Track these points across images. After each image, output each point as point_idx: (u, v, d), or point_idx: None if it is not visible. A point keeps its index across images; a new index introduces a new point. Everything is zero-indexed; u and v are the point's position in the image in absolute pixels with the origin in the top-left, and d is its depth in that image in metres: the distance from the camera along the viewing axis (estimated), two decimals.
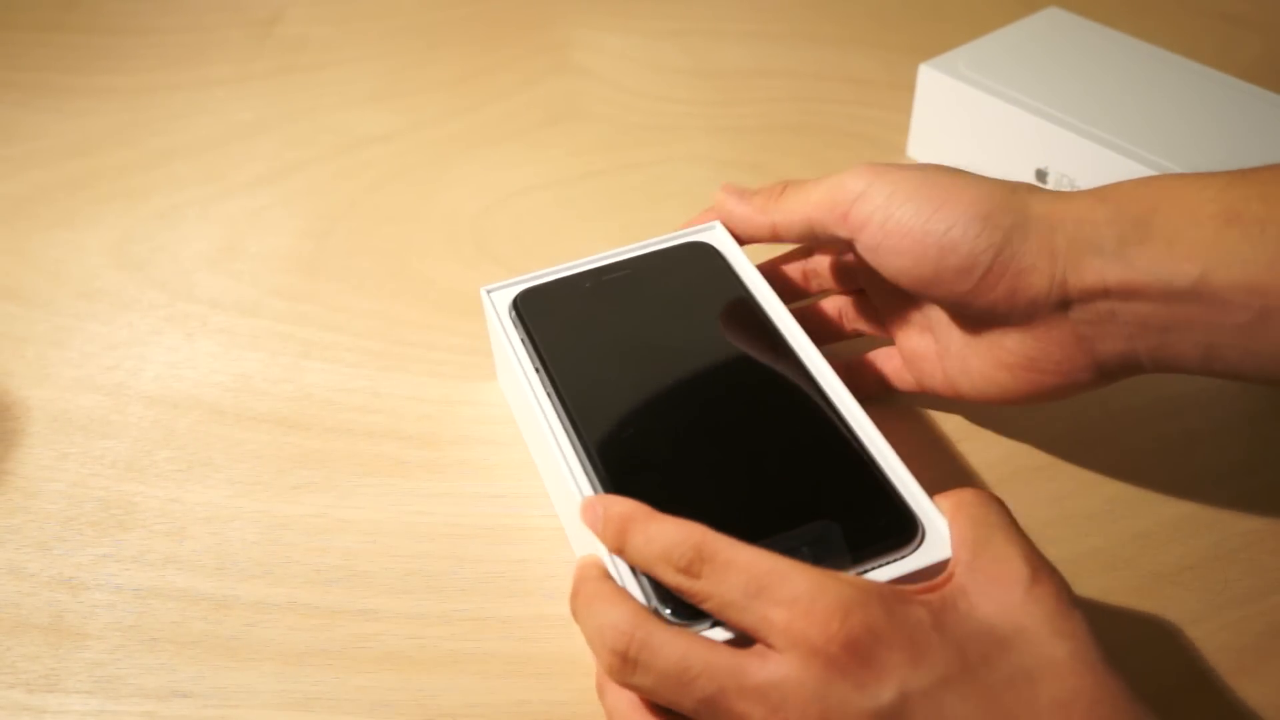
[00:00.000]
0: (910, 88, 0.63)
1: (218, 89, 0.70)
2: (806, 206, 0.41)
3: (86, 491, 0.45)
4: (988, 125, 0.59)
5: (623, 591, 0.33)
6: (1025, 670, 0.30)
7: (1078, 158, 0.55)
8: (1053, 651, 0.30)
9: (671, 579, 0.32)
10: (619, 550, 0.33)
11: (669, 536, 0.32)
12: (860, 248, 0.40)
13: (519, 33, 0.77)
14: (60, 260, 0.57)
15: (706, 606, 0.31)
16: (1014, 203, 0.37)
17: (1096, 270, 0.36)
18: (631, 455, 0.37)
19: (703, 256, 0.45)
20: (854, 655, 0.29)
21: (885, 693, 0.29)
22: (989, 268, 0.37)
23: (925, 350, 0.44)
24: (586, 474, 0.36)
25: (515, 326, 0.42)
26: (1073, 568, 0.42)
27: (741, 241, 0.45)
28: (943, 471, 0.46)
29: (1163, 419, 0.48)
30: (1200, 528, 0.43)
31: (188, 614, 0.40)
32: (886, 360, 0.47)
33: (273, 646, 0.39)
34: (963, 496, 0.34)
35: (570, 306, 0.42)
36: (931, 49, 0.64)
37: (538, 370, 0.40)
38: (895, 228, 0.38)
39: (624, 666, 0.31)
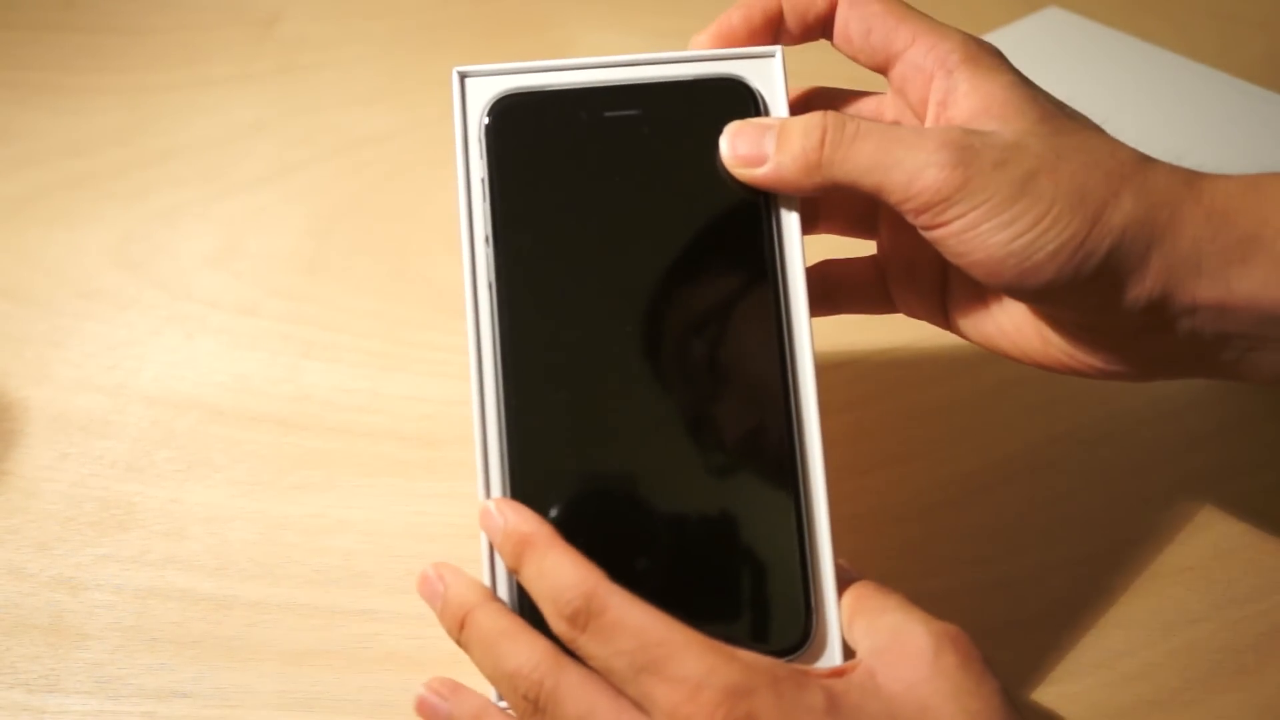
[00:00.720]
0: None
1: (217, 89, 0.70)
2: (871, 182, 0.32)
3: (86, 491, 0.45)
4: None
5: (523, 625, 0.31)
6: None
7: None
8: None
9: (555, 624, 0.30)
10: (514, 571, 0.31)
11: (562, 577, 0.30)
12: (924, 232, 0.32)
13: (519, 32, 0.77)
14: (59, 260, 0.57)
15: (592, 666, 0.29)
16: (1112, 219, 0.31)
17: (1189, 291, 0.32)
18: (547, 372, 0.32)
19: (736, 103, 0.35)
20: None
21: None
22: (1071, 288, 0.31)
23: (922, 277, 0.38)
24: (495, 378, 0.32)
25: (481, 152, 0.34)
26: (1073, 568, 0.42)
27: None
28: (943, 472, 0.46)
29: (1163, 419, 0.48)
30: (1200, 528, 0.43)
31: (188, 614, 0.40)
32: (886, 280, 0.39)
33: (273, 646, 0.39)
34: (860, 589, 0.33)
35: (552, 140, 0.34)
36: None
37: (487, 215, 0.34)
38: (976, 241, 0.31)
39: (533, 713, 0.30)
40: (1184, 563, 0.42)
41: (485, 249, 0.34)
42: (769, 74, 0.35)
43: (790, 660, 0.31)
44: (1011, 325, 0.35)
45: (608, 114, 0.34)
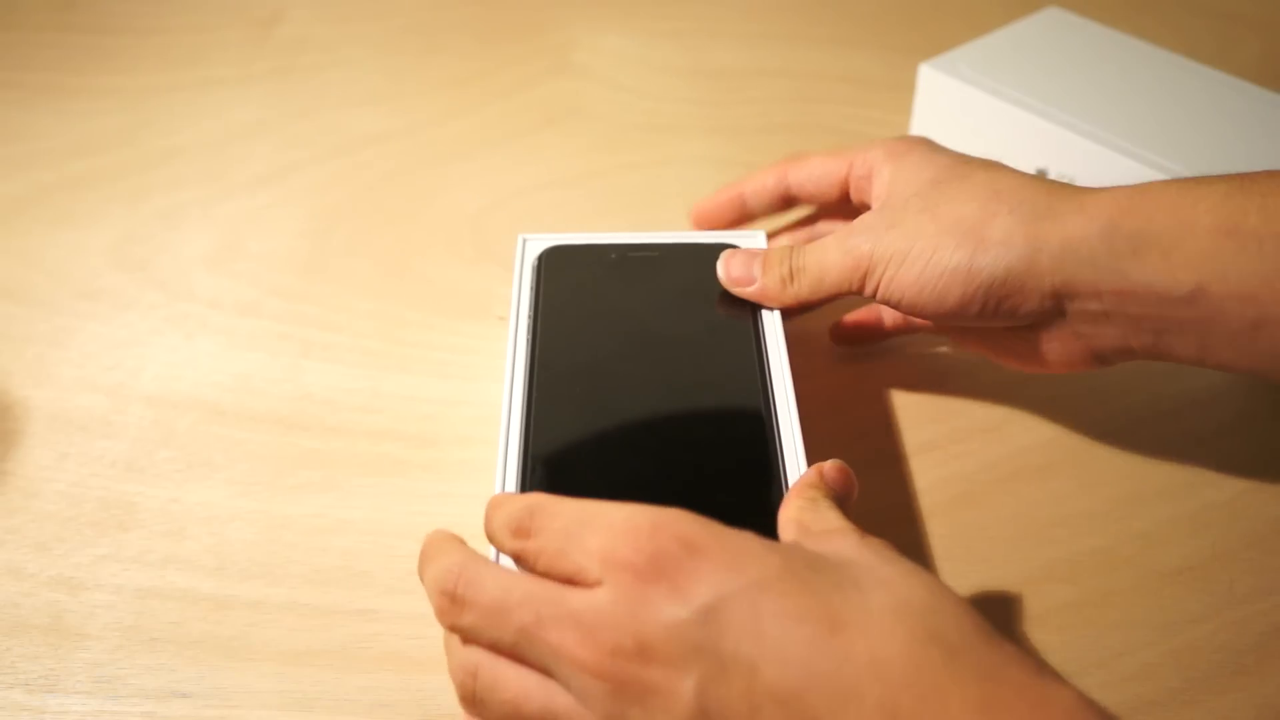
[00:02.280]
0: (910, 88, 0.63)
1: (218, 89, 0.70)
2: (826, 285, 0.42)
3: (86, 491, 0.45)
4: (988, 125, 0.59)
5: (456, 539, 0.33)
6: (855, 580, 0.29)
7: (1078, 158, 0.55)
8: (885, 571, 0.30)
9: (509, 546, 0.32)
10: (488, 536, 0.34)
11: (512, 505, 0.32)
12: (878, 301, 0.42)
13: (518, 33, 0.77)
14: (60, 260, 0.57)
15: (537, 568, 0.31)
16: (994, 234, 0.39)
17: (1089, 281, 0.38)
18: (564, 433, 0.38)
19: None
20: (665, 566, 0.28)
21: (697, 598, 0.28)
22: (983, 302, 0.40)
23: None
24: (521, 429, 0.38)
25: (530, 278, 0.45)
26: (1073, 568, 0.42)
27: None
28: (943, 474, 0.46)
29: (1162, 419, 0.48)
30: (1200, 528, 0.43)
31: (187, 614, 0.40)
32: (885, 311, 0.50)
33: (273, 646, 0.39)
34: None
35: (587, 272, 0.45)
36: (931, 49, 0.64)
37: (529, 325, 0.42)
38: (897, 286, 0.41)
39: (451, 607, 0.31)
40: (1184, 563, 0.42)
41: (526, 329, 0.43)
42: (758, 239, 0.48)
43: None
44: (989, 350, 0.45)
45: (632, 255, 0.46)
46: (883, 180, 0.44)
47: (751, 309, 0.44)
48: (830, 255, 0.42)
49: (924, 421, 0.48)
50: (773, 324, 0.43)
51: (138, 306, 0.54)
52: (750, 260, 0.44)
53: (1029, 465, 0.46)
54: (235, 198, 0.61)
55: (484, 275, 0.56)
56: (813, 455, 0.38)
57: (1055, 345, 0.41)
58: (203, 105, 0.69)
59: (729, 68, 0.73)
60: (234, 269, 0.56)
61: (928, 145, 0.44)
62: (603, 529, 0.30)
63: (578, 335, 0.41)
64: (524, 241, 0.47)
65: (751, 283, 0.43)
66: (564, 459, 0.36)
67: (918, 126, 0.63)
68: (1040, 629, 0.40)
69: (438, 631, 0.40)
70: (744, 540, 0.30)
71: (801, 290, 0.43)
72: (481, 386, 0.49)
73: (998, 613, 0.40)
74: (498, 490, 0.37)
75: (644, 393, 0.39)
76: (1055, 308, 0.39)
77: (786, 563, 0.29)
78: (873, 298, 0.42)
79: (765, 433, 0.39)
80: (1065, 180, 0.56)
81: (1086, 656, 0.39)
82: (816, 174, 0.47)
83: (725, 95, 0.70)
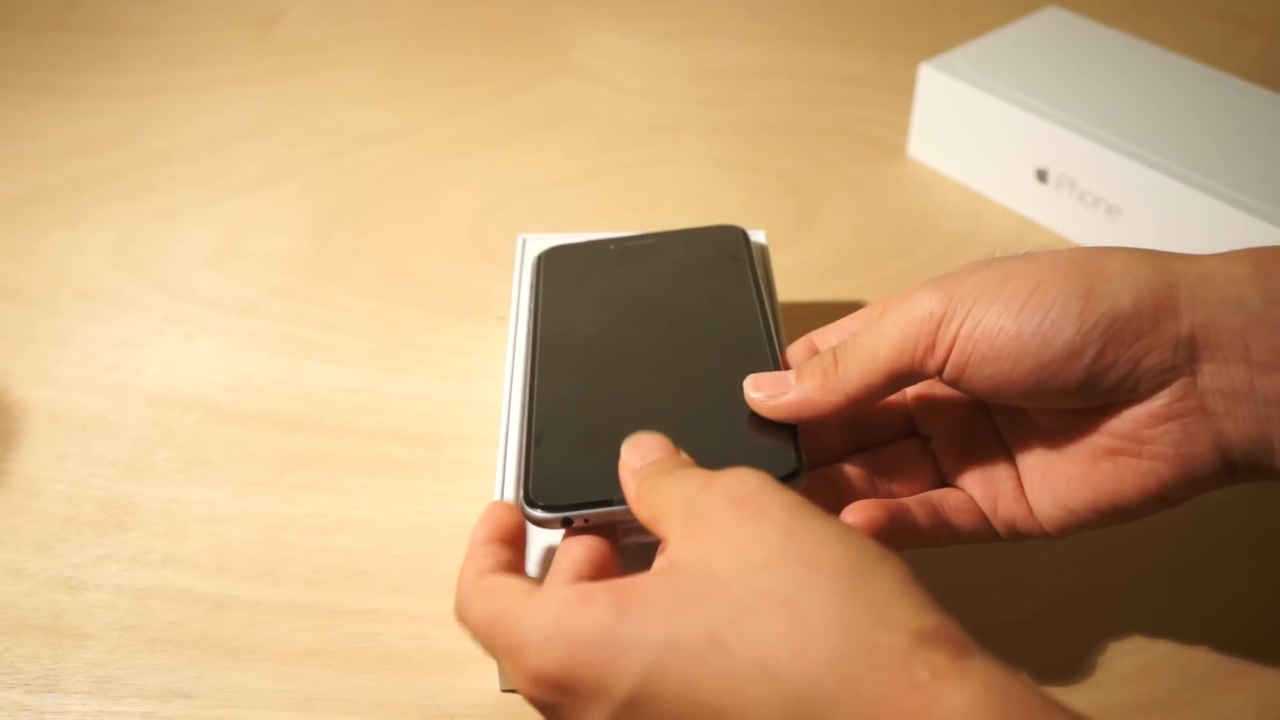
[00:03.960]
0: (910, 88, 0.63)
1: (218, 89, 0.70)
2: (880, 363, 0.33)
3: (86, 492, 0.45)
4: (988, 125, 0.59)
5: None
6: (718, 642, 0.26)
7: (1078, 158, 0.55)
8: (739, 595, 0.26)
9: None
10: None
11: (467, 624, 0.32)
12: (948, 374, 0.33)
13: (518, 33, 0.77)
14: (60, 260, 0.57)
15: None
16: (1113, 266, 0.31)
17: (1236, 330, 0.30)
18: (567, 423, 0.36)
19: (730, 244, 0.43)
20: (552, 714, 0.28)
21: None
22: (1101, 347, 0.31)
23: (1001, 484, 0.35)
24: (522, 428, 0.37)
25: (530, 277, 0.44)
26: (1073, 568, 0.42)
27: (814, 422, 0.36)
28: None
29: None
30: (1200, 528, 0.43)
31: (187, 614, 0.40)
32: (949, 507, 0.36)
33: (273, 646, 0.39)
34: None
35: (586, 269, 0.43)
36: (931, 49, 0.64)
37: (529, 325, 0.41)
38: (984, 334, 0.31)
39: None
40: (1184, 562, 0.42)
41: (528, 325, 0.41)
42: (758, 236, 0.46)
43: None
44: (1076, 467, 0.33)
45: (630, 246, 0.44)
46: (948, 316, 0.34)
47: (751, 294, 0.40)
48: (885, 323, 0.33)
49: None
50: (770, 310, 0.40)
51: (137, 306, 0.54)
52: (780, 376, 0.35)
53: None
54: (235, 197, 0.61)
55: (484, 275, 0.56)
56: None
57: (1175, 427, 0.31)
58: (202, 105, 0.69)
59: (730, 67, 0.73)
60: (234, 269, 0.56)
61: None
62: (506, 653, 0.29)
63: (578, 332, 0.40)
64: (524, 241, 0.47)
65: (785, 390, 0.34)
66: (566, 456, 0.35)
67: (917, 126, 0.63)
68: (1040, 629, 0.40)
69: (437, 631, 0.40)
70: (607, 644, 0.27)
71: (849, 378, 0.33)
72: (481, 386, 0.49)
73: (997, 613, 0.40)
74: (496, 493, 0.37)
75: (648, 385, 0.38)
76: (1188, 360, 0.31)
77: (646, 677, 0.26)
78: (940, 371, 0.33)
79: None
80: (1065, 180, 0.56)
81: (1087, 656, 0.39)
82: (845, 328, 0.38)
83: (726, 95, 0.70)
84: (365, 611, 0.40)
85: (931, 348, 0.32)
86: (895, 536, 0.35)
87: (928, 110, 0.62)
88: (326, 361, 0.51)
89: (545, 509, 0.33)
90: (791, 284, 0.54)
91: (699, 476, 0.29)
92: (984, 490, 0.36)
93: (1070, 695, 0.38)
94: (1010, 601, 0.41)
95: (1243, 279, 0.30)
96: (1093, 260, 0.31)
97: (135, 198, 0.61)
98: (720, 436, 0.35)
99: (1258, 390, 0.30)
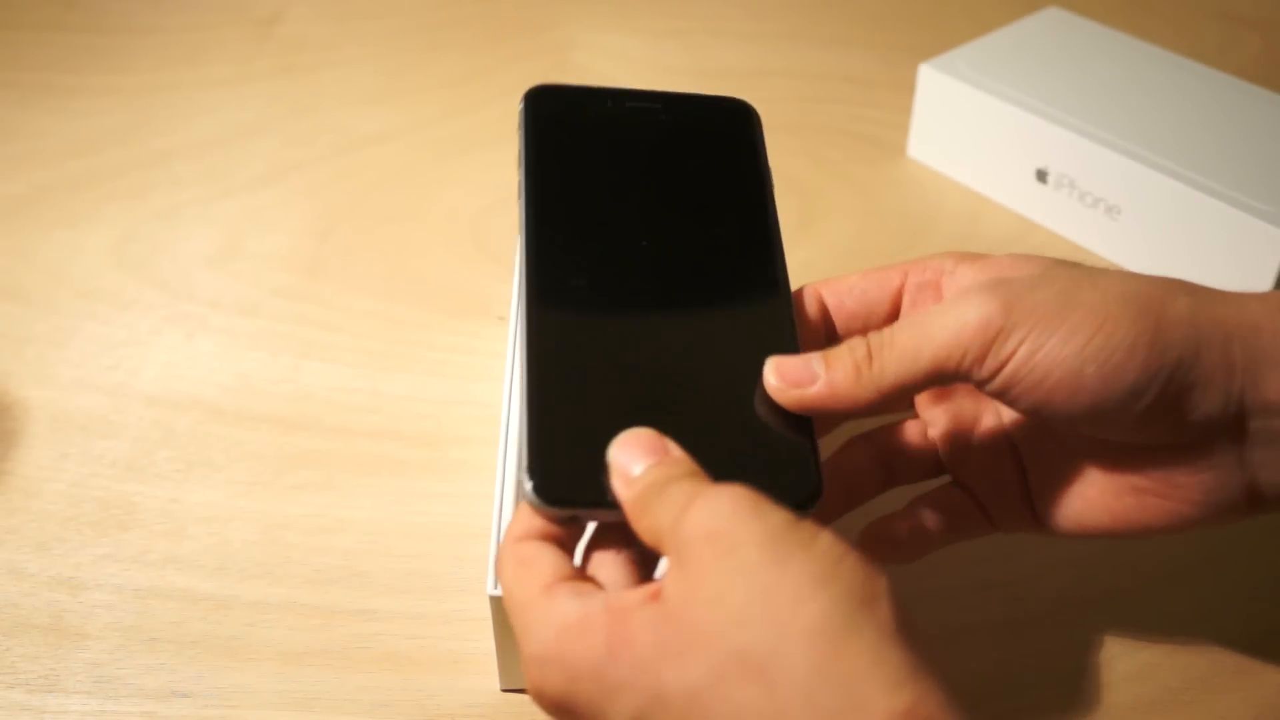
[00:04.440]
0: (910, 88, 0.63)
1: (218, 89, 0.70)
2: (923, 364, 0.31)
3: (86, 491, 0.45)
4: (988, 125, 0.59)
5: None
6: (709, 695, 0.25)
7: (1078, 158, 0.55)
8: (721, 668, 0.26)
9: None
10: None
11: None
12: (993, 386, 0.31)
13: (519, 32, 0.77)
14: (60, 260, 0.57)
15: None
16: (1178, 311, 0.30)
17: (1275, 386, 0.30)
18: (569, 390, 0.33)
19: (739, 121, 0.40)
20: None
21: None
22: (1159, 393, 0.30)
23: (1005, 483, 0.35)
24: (522, 291, 0.34)
25: (520, 124, 0.38)
26: (1074, 568, 0.42)
27: (836, 419, 0.36)
28: None
29: None
30: (1200, 528, 0.43)
31: (187, 614, 0.40)
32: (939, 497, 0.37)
33: (273, 646, 0.39)
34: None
35: (580, 121, 0.38)
36: (932, 49, 0.64)
37: (522, 182, 0.37)
38: (1044, 360, 0.30)
39: None
40: (1184, 563, 0.42)
41: (518, 208, 0.36)
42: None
43: (806, 514, 0.30)
44: (1097, 491, 0.33)
45: (630, 105, 0.39)
46: (958, 280, 0.34)
47: (757, 177, 0.38)
48: (932, 322, 0.31)
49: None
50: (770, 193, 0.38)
51: (137, 306, 0.54)
52: (806, 361, 0.32)
53: None
54: (235, 197, 0.61)
55: (484, 275, 0.56)
56: None
57: (1208, 475, 0.31)
58: (202, 104, 0.69)
59: (730, 67, 0.73)
60: (234, 269, 0.56)
61: (982, 256, 0.35)
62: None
63: (572, 194, 0.36)
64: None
65: (814, 380, 0.32)
66: (570, 439, 0.31)
67: (918, 126, 0.63)
68: (1040, 629, 0.40)
69: (437, 631, 0.40)
70: (599, 695, 0.27)
71: (885, 375, 0.31)
72: (481, 386, 0.49)
73: (997, 613, 0.40)
74: (496, 493, 0.37)
75: (656, 340, 0.34)
76: (1236, 418, 0.31)
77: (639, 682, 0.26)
78: (986, 383, 0.31)
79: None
80: (1065, 180, 0.56)
81: (1087, 656, 0.39)
82: (859, 288, 0.36)
83: (726, 94, 0.70)
84: (365, 611, 0.40)
85: (982, 359, 0.30)
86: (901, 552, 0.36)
87: (928, 110, 0.62)
88: (326, 361, 0.51)
89: (548, 499, 0.30)
90: (792, 284, 0.54)
91: (682, 497, 0.28)
92: (988, 493, 0.35)
93: (1070, 695, 0.38)
94: (1010, 601, 0.41)
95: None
96: (1156, 301, 0.30)
97: (135, 198, 0.61)
98: (730, 435, 0.32)
99: None
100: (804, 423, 0.32)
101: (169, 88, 0.70)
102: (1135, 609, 0.41)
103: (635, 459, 0.29)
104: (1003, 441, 0.35)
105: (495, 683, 0.38)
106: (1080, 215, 0.56)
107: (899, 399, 0.32)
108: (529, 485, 0.30)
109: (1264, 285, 0.50)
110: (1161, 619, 0.40)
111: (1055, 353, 0.30)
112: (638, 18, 0.78)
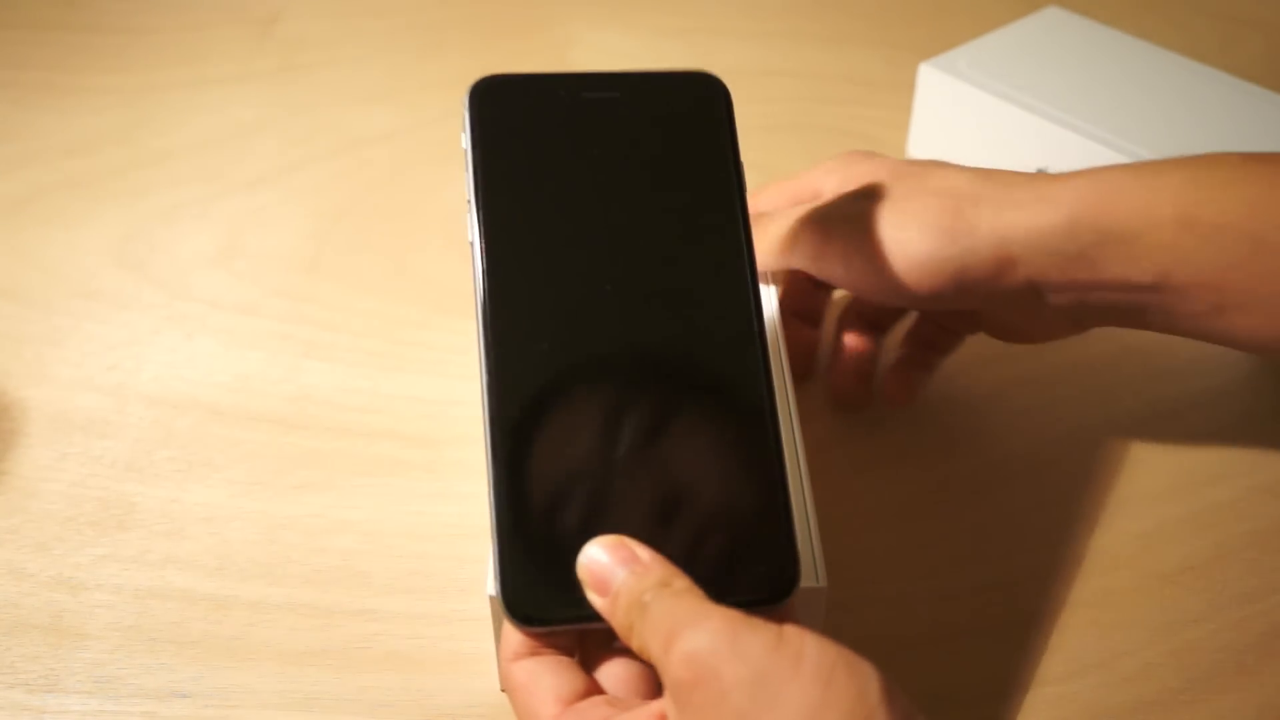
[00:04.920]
0: (910, 87, 0.63)
1: (218, 88, 0.70)
2: (775, 255, 0.44)
3: (86, 491, 0.45)
4: (988, 125, 0.59)
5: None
6: None
7: (1078, 157, 0.55)
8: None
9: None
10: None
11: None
12: (818, 273, 0.43)
13: (519, 31, 0.77)
14: (59, 260, 0.56)
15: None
16: (962, 225, 0.39)
17: (1059, 269, 0.39)
18: (527, 321, 0.32)
19: (705, 98, 0.37)
20: None
21: None
22: (956, 289, 0.40)
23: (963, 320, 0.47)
24: (480, 327, 0.32)
25: (465, 121, 0.35)
26: (1073, 568, 0.42)
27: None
28: (942, 472, 0.46)
29: (1162, 419, 0.48)
30: (1200, 528, 0.43)
31: (187, 614, 0.40)
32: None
33: (273, 646, 0.39)
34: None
35: (531, 114, 0.35)
36: (932, 48, 0.64)
37: (470, 182, 0.34)
38: (863, 265, 0.41)
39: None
40: (1184, 563, 0.42)
41: (469, 213, 0.33)
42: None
43: (779, 607, 0.30)
44: (1020, 317, 0.43)
45: (586, 95, 0.35)
46: (831, 189, 0.44)
47: (726, 162, 0.35)
48: (775, 222, 0.44)
49: (923, 421, 0.48)
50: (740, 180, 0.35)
51: (137, 306, 0.54)
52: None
53: (1029, 466, 0.46)
54: (235, 197, 0.61)
55: None
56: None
57: (1037, 325, 0.42)
58: (201, 104, 0.68)
59: (730, 66, 0.73)
60: (234, 268, 0.56)
61: (872, 154, 0.45)
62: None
63: (529, 198, 0.34)
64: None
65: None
66: (537, 552, 0.30)
67: (918, 126, 0.63)
68: (1039, 629, 0.40)
69: (437, 631, 0.40)
70: None
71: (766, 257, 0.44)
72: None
73: (996, 613, 0.40)
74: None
75: (604, 264, 0.32)
76: (1033, 295, 0.40)
77: None
78: (828, 282, 0.44)
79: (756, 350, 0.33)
80: None
81: (1086, 656, 0.39)
82: (773, 201, 0.47)
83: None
84: (365, 611, 0.40)
85: (816, 263, 0.43)
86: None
87: (928, 110, 0.62)
88: (327, 361, 0.51)
89: (525, 621, 0.29)
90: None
91: (664, 628, 0.27)
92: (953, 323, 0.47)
93: (1071, 695, 0.38)
94: (1010, 601, 0.41)
95: (1060, 231, 0.38)
96: (945, 214, 0.39)
97: (135, 197, 0.61)
98: (704, 528, 0.31)
99: (1088, 302, 0.40)
100: (779, 504, 0.31)
101: (168, 87, 0.70)
102: (1135, 609, 0.41)
103: (606, 573, 0.29)
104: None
105: (495, 683, 0.38)
106: None
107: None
108: (506, 612, 0.29)
109: None
110: (1162, 619, 0.40)
111: (864, 265, 0.41)
112: (638, 16, 0.78)
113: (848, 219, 0.41)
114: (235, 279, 0.55)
